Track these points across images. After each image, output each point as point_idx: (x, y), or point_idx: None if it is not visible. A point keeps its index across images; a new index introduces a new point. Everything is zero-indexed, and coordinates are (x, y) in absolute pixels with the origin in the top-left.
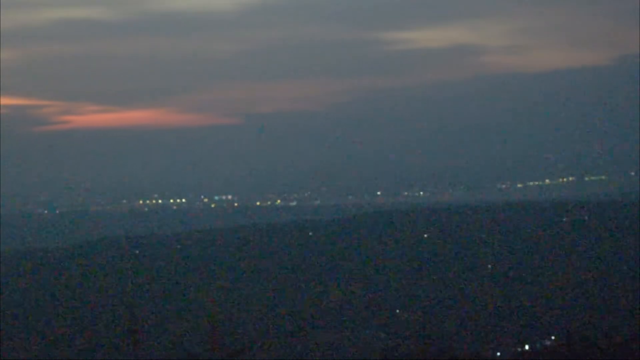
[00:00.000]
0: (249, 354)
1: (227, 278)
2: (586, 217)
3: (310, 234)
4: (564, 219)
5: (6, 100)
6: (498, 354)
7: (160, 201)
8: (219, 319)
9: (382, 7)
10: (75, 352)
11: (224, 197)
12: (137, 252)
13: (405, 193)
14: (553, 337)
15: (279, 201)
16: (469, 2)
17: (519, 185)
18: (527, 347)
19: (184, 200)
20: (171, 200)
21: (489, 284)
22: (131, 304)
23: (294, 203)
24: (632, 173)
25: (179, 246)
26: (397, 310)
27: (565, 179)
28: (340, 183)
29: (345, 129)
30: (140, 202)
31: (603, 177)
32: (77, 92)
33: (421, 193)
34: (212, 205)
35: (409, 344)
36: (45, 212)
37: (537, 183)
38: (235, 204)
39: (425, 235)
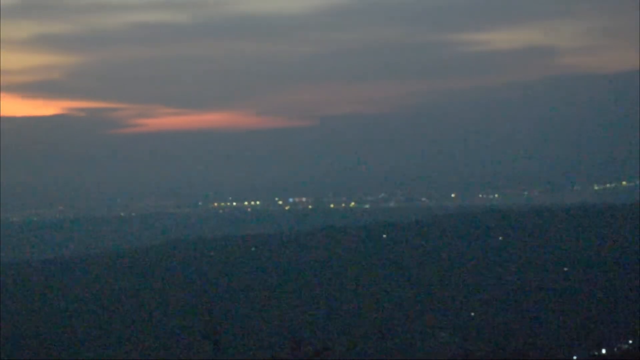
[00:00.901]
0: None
1: (303, 279)
2: None
3: (384, 236)
4: None
5: (83, 103)
6: (575, 357)
7: (234, 203)
8: (298, 319)
9: (455, 9)
10: (157, 353)
11: (297, 200)
12: (212, 254)
13: (480, 195)
14: (631, 341)
15: (352, 203)
16: (542, 4)
17: (596, 188)
18: (603, 350)
19: (258, 202)
20: (245, 203)
21: (565, 286)
22: (210, 306)
23: (368, 205)
24: None
25: (253, 248)
26: (472, 313)
27: None
28: (413, 185)
29: (418, 131)
30: (215, 204)
31: None
32: (153, 95)
33: (496, 195)
34: (286, 208)
35: (484, 347)
36: (122, 214)
37: (613, 185)
38: (309, 206)
39: (500, 238)
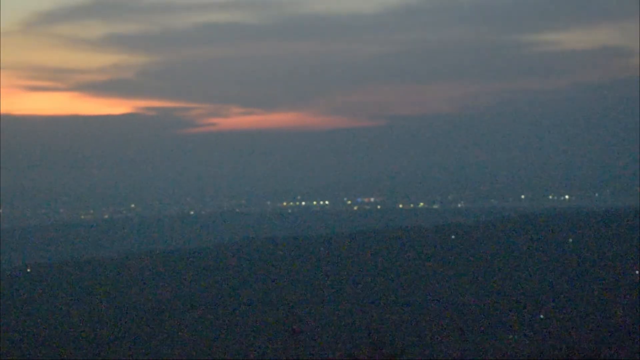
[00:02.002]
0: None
1: (372, 279)
2: None
3: (452, 237)
4: None
5: (154, 103)
6: None
7: (303, 203)
8: (376, 318)
9: (527, 9)
10: (237, 348)
11: (366, 199)
12: (281, 253)
13: (550, 196)
14: None
15: (421, 204)
16: (616, 3)
17: None
18: None
19: (327, 202)
20: (314, 202)
21: (636, 287)
22: (289, 303)
23: (437, 206)
24: None
25: (321, 248)
26: (542, 315)
27: None
28: (482, 186)
29: (488, 132)
30: (284, 203)
31: None
32: (223, 94)
33: (566, 197)
34: (355, 208)
35: (553, 348)
36: (192, 212)
37: None
38: (378, 206)
39: (570, 240)
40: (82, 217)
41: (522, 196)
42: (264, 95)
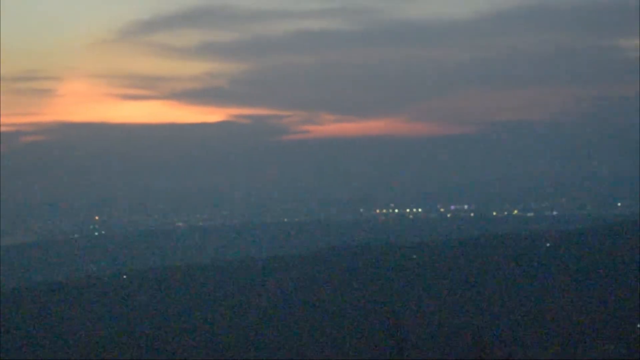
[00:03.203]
0: None
1: (470, 285)
2: None
3: (547, 244)
4: None
5: (248, 110)
6: None
7: (396, 210)
8: (479, 325)
9: (624, 13)
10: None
11: (459, 207)
12: (374, 260)
13: None
14: None
15: (515, 211)
16: None
17: None
18: None
19: (420, 209)
20: (407, 210)
21: None
22: (395, 311)
23: (531, 214)
24: None
25: (414, 256)
26: (638, 325)
27: None
28: (579, 193)
29: (585, 138)
30: (377, 211)
31: None
32: (316, 102)
33: None
34: (448, 215)
35: None
36: (285, 220)
37: None
38: (471, 214)
39: None
40: (177, 224)
41: (619, 204)
42: (357, 102)
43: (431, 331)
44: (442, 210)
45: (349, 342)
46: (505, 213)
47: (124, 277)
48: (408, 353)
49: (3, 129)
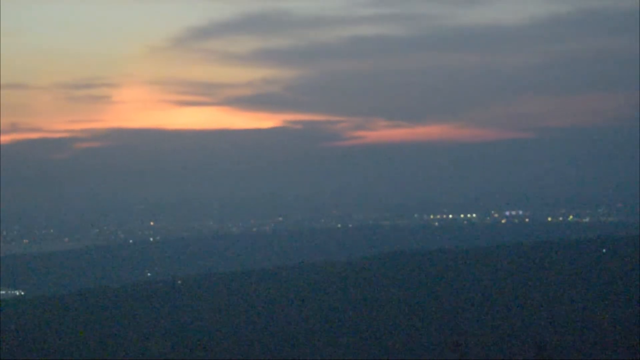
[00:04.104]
0: None
1: (527, 290)
2: None
3: (603, 251)
4: None
5: (301, 116)
6: None
7: (450, 216)
8: (541, 331)
9: None
10: None
11: (514, 212)
12: (429, 265)
13: None
14: None
15: (570, 217)
16: None
17: None
18: None
19: (474, 215)
20: (461, 215)
21: None
22: (449, 316)
23: (587, 219)
24: None
25: (467, 261)
26: None
27: None
28: (636, 199)
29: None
30: (431, 216)
31: None
32: (370, 108)
33: None
34: (502, 221)
35: None
36: (339, 225)
37: None
38: (526, 219)
39: None
40: (232, 229)
41: None
42: (411, 108)
43: (491, 336)
44: (496, 215)
45: (411, 344)
46: (561, 219)
47: (179, 282)
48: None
49: (59, 135)
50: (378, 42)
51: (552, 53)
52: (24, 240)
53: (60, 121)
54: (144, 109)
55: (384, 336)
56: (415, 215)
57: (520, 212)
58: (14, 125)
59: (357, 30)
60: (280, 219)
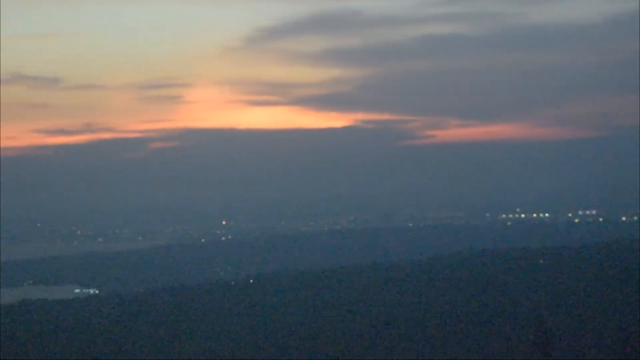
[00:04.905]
0: None
1: (606, 290)
2: None
3: None
4: None
5: (372, 116)
6: None
7: (522, 215)
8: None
9: None
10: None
11: (588, 212)
12: (502, 265)
13: None
14: None
15: None
16: None
17: None
18: None
19: (547, 214)
20: (534, 215)
21: None
22: (540, 316)
23: None
24: None
25: (541, 261)
26: None
27: None
28: None
29: None
30: (503, 215)
31: None
32: (441, 107)
33: None
34: (576, 221)
35: None
36: (410, 225)
37: None
38: (600, 219)
39: None
40: (303, 228)
41: None
42: (482, 107)
43: (577, 334)
44: (569, 215)
45: (495, 343)
46: (635, 217)
47: (251, 281)
48: (554, 355)
49: (133, 135)
50: (449, 41)
51: (626, 51)
52: (99, 239)
53: (134, 121)
54: (216, 108)
55: (466, 335)
56: (488, 215)
57: (594, 212)
58: (88, 125)
59: (427, 29)
60: (352, 217)
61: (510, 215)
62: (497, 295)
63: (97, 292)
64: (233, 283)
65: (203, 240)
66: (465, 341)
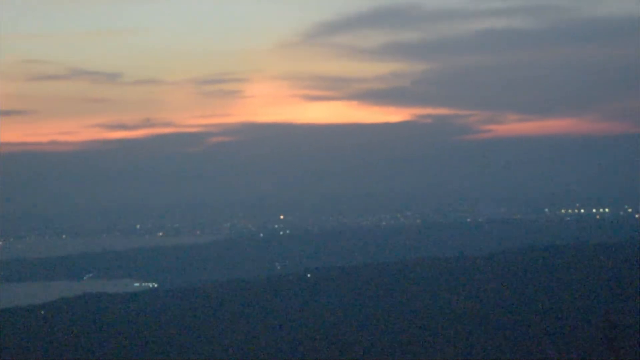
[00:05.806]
0: None
1: None
2: None
3: None
4: None
5: (430, 110)
6: None
7: (582, 210)
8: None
9: None
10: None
11: None
12: (562, 261)
13: None
14: None
15: None
16: None
17: None
18: None
19: (606, 209)
20: (593, 210)
21: None
22: (607, 311)
23: None
24: None
25: (601, 256)
26: None
27: None
28: None
29: None
30: (562, 211)
31: None
32: (500, 101)
33: None
34: (636, 215)
35: None
36: (468, 219)
37: None
38: None
39: None
40: (361, 223)
41: None
42: (540, 102)
43: None
44: (630, 210)
45: (560, 340)
46: None
47: (308, 275)
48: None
49: (192, 129)
50: (507, 35)
51: None
52: (159, 234)
53: (192, 116)
54: (274, 103)
55: (532, 332)
56: (546, 210)
57: None
58: (148, 120)
59: (486, 24)
60: (410, 213)
61: (570, 211)
62: (564, 291)
63: (155, 285)
64: (291, 277)
65: (261, 234)
66: (529, 337)
